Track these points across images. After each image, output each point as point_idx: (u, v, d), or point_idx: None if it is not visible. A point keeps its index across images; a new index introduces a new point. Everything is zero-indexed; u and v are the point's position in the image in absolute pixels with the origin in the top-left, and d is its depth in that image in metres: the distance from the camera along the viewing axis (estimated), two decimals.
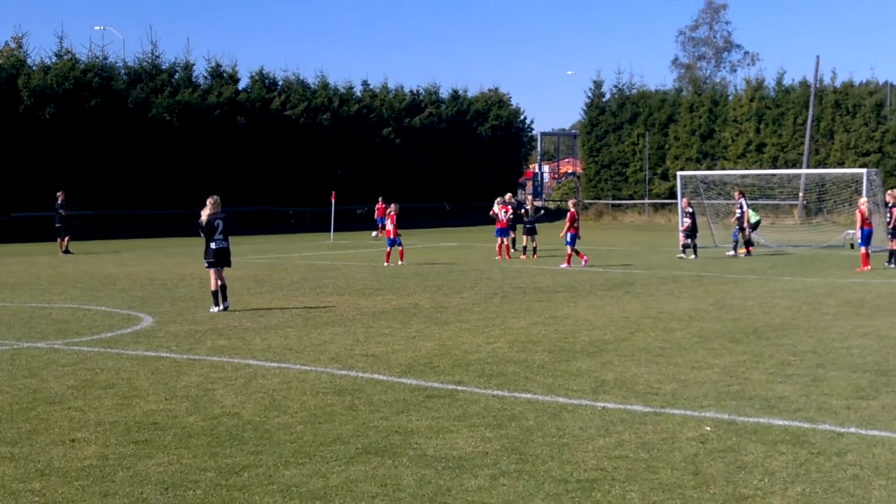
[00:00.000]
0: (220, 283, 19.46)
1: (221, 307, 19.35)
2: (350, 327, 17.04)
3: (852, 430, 9.78)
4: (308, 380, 12.37)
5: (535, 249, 34.20)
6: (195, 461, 8.80)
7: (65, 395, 11.51)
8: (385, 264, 30.92)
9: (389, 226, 31.70)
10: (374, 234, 50.24)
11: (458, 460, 8.77)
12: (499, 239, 34.66)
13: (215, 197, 19.96)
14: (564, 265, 29.81)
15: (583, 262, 29.84)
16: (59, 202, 39.45)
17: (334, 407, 10.84)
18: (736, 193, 36.47)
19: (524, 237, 34.51)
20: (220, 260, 19.52)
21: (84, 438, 9.59)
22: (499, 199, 35.97)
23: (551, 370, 12.90)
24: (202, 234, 19.66)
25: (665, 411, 10.52)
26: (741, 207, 35.17)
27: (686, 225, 33.75)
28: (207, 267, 19.65)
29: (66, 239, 38.71)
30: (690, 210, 34.13)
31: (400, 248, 31.27)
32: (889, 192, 30.57)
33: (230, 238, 20.01)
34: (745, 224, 35.11)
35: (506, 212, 34.80)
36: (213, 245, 19.46)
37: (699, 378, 12.27)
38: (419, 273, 28.03)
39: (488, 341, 15.39)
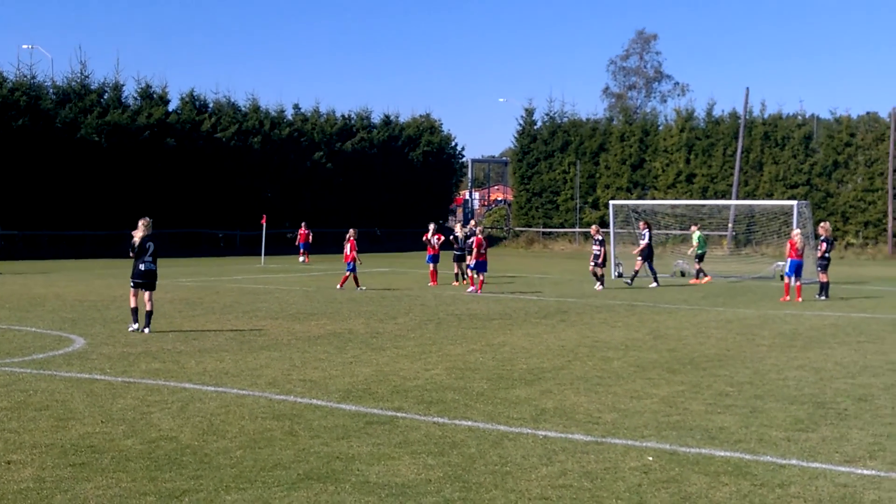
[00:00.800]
0: (147, 307, 19.49)
1: (141, 329, 19.37)
2: (286, 352, 16.92)
3: (794, 461, 9.86)
4: (246, 404, 12.25)
5: (463, 275, 34.19)
6: (134, 485, 8.66)
7: None
8: (358, 289, 31.06)
9: (350, 251, 31.58)
10: (300, 259, 50.13)
11: (402, 487, 8.72)
12: (431, 265, 34.71)
13: (147, 219, 20.00)
14: (472, 289, 30.46)
15: (473, 288, 30.55)
16: None
17: (273, 432, 10.74)
18: (641, 224, 36.62)
19: (453, 263, 34.59)
20: (145, 282, 19.66)
21: (20, 461, 9.41)
22: (432, 224, 36.04)
23: (491, 398, 12.88)
24: (132, 255, 19.71)
25: (606, 440, 10.54)
26: (645, 238, 35.18)
27: (601, 254, 33.56)
28: (132, 286, 19.79)
29: None
30: (600, 238, 34.09)
31: (349, 273, 31.45)
32: (821, 224, 31.06)
33: (158, 261, 19.95)
34: (649, 253, 35.06)
35: (438, 238, 34.93)
36: (141, 266, 19.60)
37: (639, 408, 12.32)
38: (353, 298, 27.93)
39: (426, 368, 15.35)
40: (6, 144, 53.10)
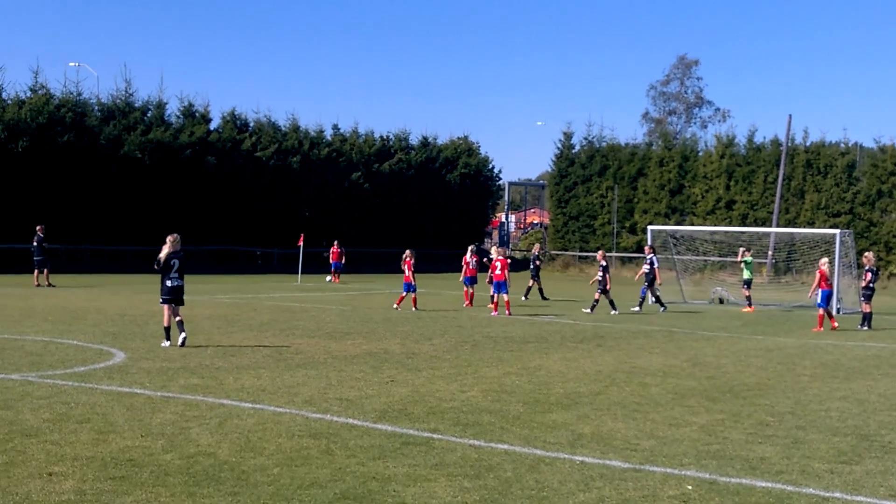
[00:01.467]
0: (177, 318, 19.84)
1: (179, 342, 19.64)
2: (322, 370, 16.95)
3: (837, 494, 9.74)
4: (283, 422, 12.28)
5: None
6: (173, 500, 8.71)
7: (41, 429, 11.39)
8: (413, 309, 31.34)
9: (408, 272, 31.89)
10: (328, 278, 49.84)
11: None
12: (467, 286, 34.75)
13: (175, 235, 20.37)
14: (495, 313, 30.54)
15: (494, 312, 30.59)
16: (38, 235, 39.41)
17: (310, 450, 10.76)
18: (647, 249, 36.55)
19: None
20: (174, 297, 19.91)
21: (61, 472, 9.48)
22: (471, 246, 36.10)
23: (527, 421, 12.85)
24: (158, 270, 20.07)
25: (645, 468, 10.48)
26: (651, 264, 35.05)
27: (602, 279, 33.45)
28: (162, 303, 20.02)
29: (45, 272, 38.66)
30: (604, 264, 34.01)
31: (413, 294, 31.82)
32: (865, 255, 30.83)
33: (188, 277, 20.20)
34: (657, 281, 35.07)
35: (476, 260, 35.02)
36: (168, 283, 19.89)
37: (678, 435, 12.24)
38: (388, 318, 27.96)
39: (462, 390, 15.33)
40: (52, 160, 53.79)
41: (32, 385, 14.47)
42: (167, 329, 19.90)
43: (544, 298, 38.70)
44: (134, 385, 14.72)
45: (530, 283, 39.32)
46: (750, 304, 36.16)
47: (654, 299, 35.01)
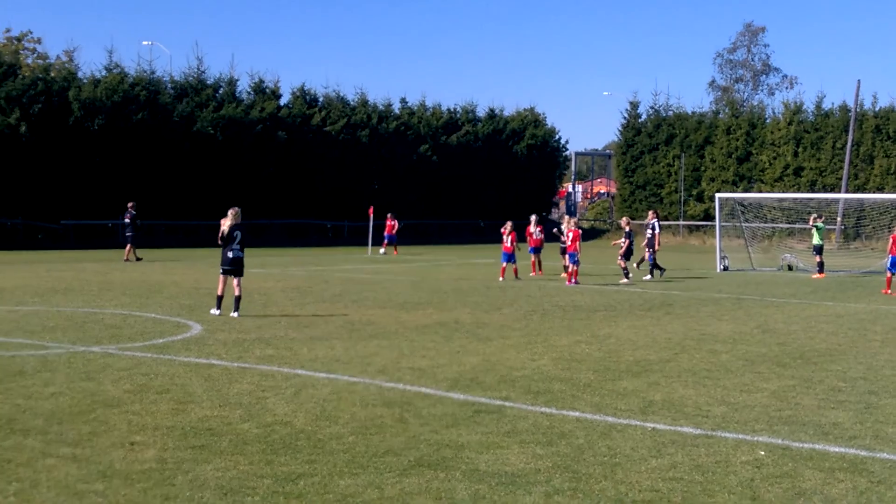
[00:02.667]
0: (235, 293, 20.45)
1: (233, 313, 20.21)
2: (394, 340, 17.13)
3: None
4: (357, 391, 12.46)
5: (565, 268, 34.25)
6: (252, 468, 8.90)
7: (122, 399, 11.68)
8: (516, 279, 31.73)
9: (509, 243, 32.06)
10: (381, 250, 48.95)
11: (511, 476, 8.81)
12: (532, 256, 34.64)
13: (236, 209, 20.92)
14: (568, 283, 30.58)
15: (567, 282, 30.71)
16: (130, 212, 40.11)
17: (384, 419, 10.91)
18: (650, 214, 35.82)
19: (560, 256, 34.39)
20: (234, 268, 20.56)
21: (143, 442, 9.73)
22: (534, 217, 35.95)
23: (598, 389, 12.92)
24: (220, 243, 20.60)
25: (716, 434, 10.51)
26: (653, 229, 34.43)
27: (625, 246, 33.08)
28: (221, 273, 20.66)
29: (130, 247, 39.39)
30: (628, 230, 33.67)
31: (514, 264, 32.12)
32: None
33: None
34: (657, 246, 34.47)
35: (540, 230, 34.92)
36: (229, 254, 20.52)
37: (749, 402, 12.24)
38: (458, 289, 28.10)
39: (532, 358, 15.43)
40: (127, 137, 54.63)
41: (113, 357, 14.80)
42: (220, 298, 20.56)
43: (659, 269, 37.96)
44: (211, 356, 15.01)
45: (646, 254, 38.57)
46: (821, 271, 35.79)
47: (651, 264, 34.35)
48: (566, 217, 39.61)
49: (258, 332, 17.80)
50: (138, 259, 39.03)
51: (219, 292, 20.64)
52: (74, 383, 12.61)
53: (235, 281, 20.54)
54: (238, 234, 20.52)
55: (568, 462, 9.30)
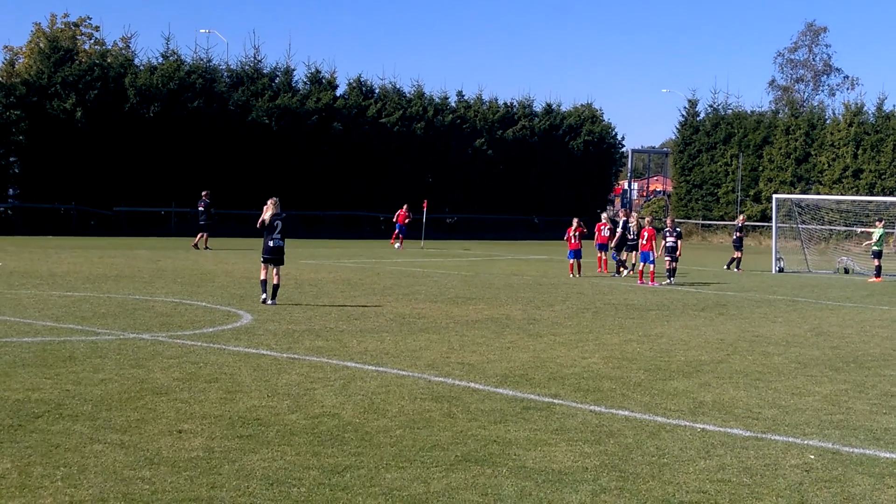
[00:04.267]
0: (275, 281, 20.85)
1: (270, 301, 20.58)
2: (444, 335, 17.11)
3: None
4: (405, 385, 12.45)
5: (623, 264, 34.18)
6: (298, 459, 8.91)
7: (170, 387, 11.74)
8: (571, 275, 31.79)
9: (575, 240, 31.74)
10: (396, 245, 47.12)
11: (558, 474, 8.76)
12: (599, 253, 34.29)
13: (275, 199, 21.51)
14: (640, 282, 30.35)
15: (639, 282, 30.52)
16: (204, 200, 40.45)
17: (432, 413, 10.89)
18: (622, 212, 35.16)
19: (626, 254, 34.26)
20: (273, 257, 20.97)
21: (190, 430, 9.76)
22: (604, 213, 35.67)
23: (648, 388, 12.83)
24: (260, 231, 21.25)
25: (766, 437, 10.39)
26: (624, 227, 33.69)
27: (617, 236, 32.82)
28: (262, 261, 21.13)
29: (204, 236, 39.83)
30: (624, 220, 33.29)
31: (577, 260, 31.62)
32: None
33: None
34: (613, 243, 33.86)
35: (608, 227, 34.55)
36: (270, 243, 20.92)
37: (800, 405, 12.10)
38: (510, 284, 28.03)
39: (583, 356, 15.34)
40: (182, 125, 55.04)
41: (163, 345, 14.91)
42: (264, 282, 21.02)
43: (737, 268, 38.21)
44: (260, 346, 15.06)
45: (736, 255, 38.95)
46: (878, 275, 35.40)
47: (616, 260, 34.00)
48: (632, 213, 39.34)
49: (308, 324, 17.85)
50: (207, 248, 39.32)
51: (262, 276, 21.19)
52: (124, 370, 12.71)
53: (275, 270, 20.95)
54: (279, 223, 20.97)
55: (615, 461, 9.23)
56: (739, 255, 38.89)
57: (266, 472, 8.45)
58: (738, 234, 39.67)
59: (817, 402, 12.35)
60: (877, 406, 12.21)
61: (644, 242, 30.42)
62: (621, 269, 33.42)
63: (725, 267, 38.62)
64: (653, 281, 29.95)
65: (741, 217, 41.06)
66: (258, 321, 17.97)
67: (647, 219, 32.50)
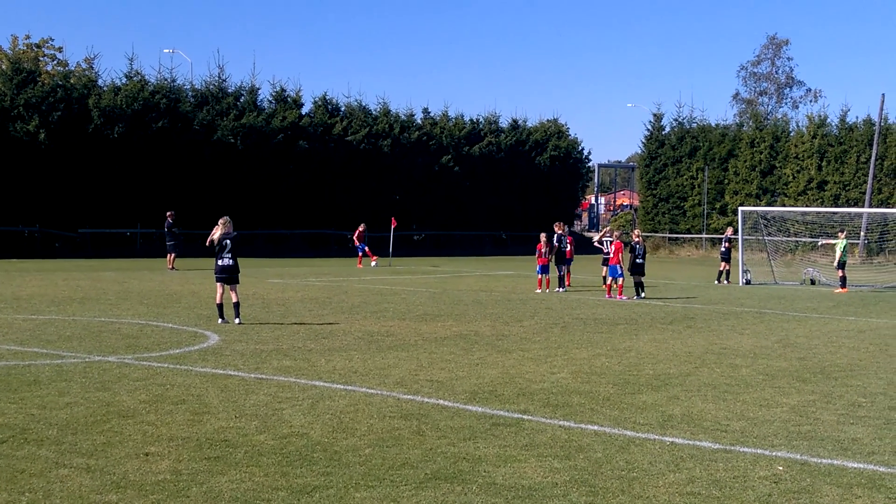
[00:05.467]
0: (233, 299, 20.86)
1: (236, 321, 20.60)
2: (413, 352, 17.07)
3: None
4: (374, 403, 12.40)
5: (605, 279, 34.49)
6: (267, 480, 8.85)
7: (137, 409, 11.65)
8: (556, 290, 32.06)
9: (613, 255, 30.97)
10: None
11: (528, 490, 8.75)
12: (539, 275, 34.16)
13: (226, 217, 21.40)
14: (608, 296, 30.30)
15: (607, 296, 30.57)
16: (169, 221, 40.38)
17: (401, 431, 10.86)
18: (556, 226, 34.76)
19: (602, 267, 34.36)
20: (225, 276, 20.88)
21: (157, 453, 9.69)
22: (543, 234, 35.09)
23: (617, 403, 12.84)
24: (210, 250, 21.18)
25: (735, 449, 10.42)
26: (559, 241, 33.46)
27: (553, 251, 32.76)
28: (216, 281, 21.06)
29: (171, 256, 39.69)
30: (559, 233, 33.28)
31: (618, 280, 30.68)
32: None
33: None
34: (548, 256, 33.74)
35: (570, 241, 34.57)
36: (220, 262, 20.90)
37: (768, 416, 12.15)
38: (479, 301, 28.03)
39: (552, 371, 15.35)
40: (148, 145, 54.85)
41: (129, 367, 14.79)
42: (219, 306, 20.90)
43: (727, 281, 38.56)
44: (228, 367, 14.98)
45: (722, 267, 39.32)
46: (844, 285, 35.65)
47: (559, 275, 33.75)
48: (607, 230, 39.55)
49: (276, 343, 17.78)
50: (173, 268, 39.26)
51: (217, 300, 21.02)
52: (89, 393, 12.60)
53: (231, 288, 20.94)
54: (228, 242, 20.92)
55: (585, 476, 9.23)
56: (728, 267, 39.12)
57: (234, 494, 8.40)
58: (726, 244, 39.93)
59: (785, 413, 12.40)
60: (844, 416, 12.26)
61: (612, 256, 30.43)
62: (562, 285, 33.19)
63: (717, 281, 38.76)
64: (620, 295, 29.99)
65: (729, 229, 41.23)
66: (225, 342, 17.88)
67: (616, 233, 32.55)
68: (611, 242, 31.05)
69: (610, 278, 30.64)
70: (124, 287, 30.24)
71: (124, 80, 58.20)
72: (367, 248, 47.12)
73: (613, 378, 14.82)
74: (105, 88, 56.51)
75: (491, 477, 9.12)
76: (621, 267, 30.27)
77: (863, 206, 61.21)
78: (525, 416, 11.80)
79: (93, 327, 19.71)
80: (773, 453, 10.28)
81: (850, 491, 8.97)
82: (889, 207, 60.71)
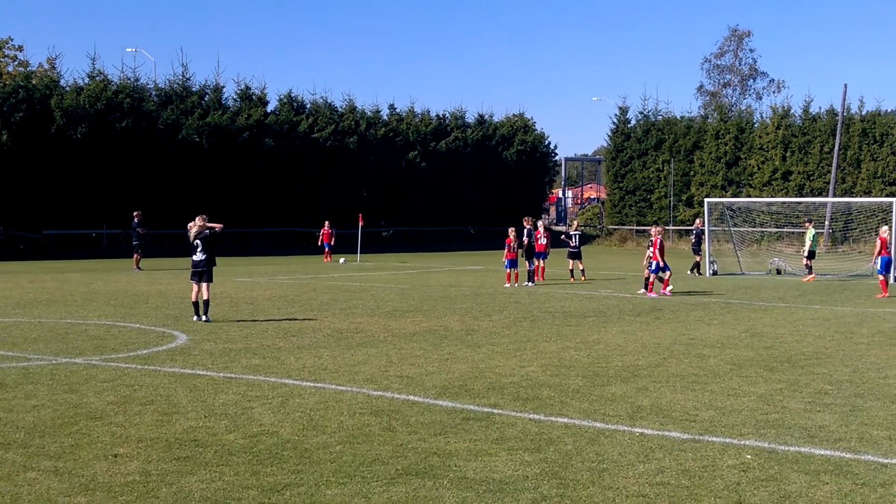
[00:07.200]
0: (204, 296, 21.15)
1: (203, 318, 20.93)
2: (382, 348, 17.07)
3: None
4: (344, 400, 12.40)
5: (582, 272, 35.35)
6: (237, 479, 8.84)
7: (105, 411, 11.60)
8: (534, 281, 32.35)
9: (653, 250, 30.43)
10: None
11: (499, 483, 8.78)
12: (538, 262, 34.21)
13: (203, 216, 22.06)
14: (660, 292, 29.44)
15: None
16: (135, 221, 40.26)
17: (372, 427, 10.86)
18: (525, 220, 34.78)
19: (568, 261, 35.50)
20: (196, 270, 21.29)
21: (126, 454, 9.65)
22: (511, 229, 35.13)
23: (586, 395, 12.89)
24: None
25: (704, 438, 10.49)
26: (528, 236, 33.42)
27: (524, 244, 32.87)
28: (190, 279, 21.58)
29: (136, 256, 39.96)
30: (528, 228, 33.29)
31: (655, 275, 29.73)
32: None
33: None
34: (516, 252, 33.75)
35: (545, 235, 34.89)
36: (193, 257, 21.33)
37: (736, 406, 12.23)
38: (447, 296, 28.03)
39: (521, 365, 15.39)
40: (111, 146, 54.47)
41: (96, 368, 14.72)
42: (195, 304, 21.23)
43: (697, 273, 38.69)
44: (196, 367, 14.93)
45: (697, 258, 39.57)
46: (811, 272, 35.96)
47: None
48: (575, 223, 39.83)
49: (244, 342, 17.73)
50: (138, 269, 39.19)
51: (192, 298, 21.37)
52: (57, 395, 12.53)
53: (204, 285, 21.13)
54: (198, 242, 21.37)
55: (556, 468, 9.27)
56: (699, 259, 39.28)
57: (204, 494, 8.38)
58: (697, 237, 40.17)
59: (753, 402, 12.49)
60: (811, 404, 12.37)
61: (653, 254, 29.28)
62: (534, 279, 33.28)
63: (689, 272, 38.83)
64: (665, 288, 29.35)
65: (698, 221, 41.44)
66: (193, 341, 17.81)
67: (657, 228, 31.94)
68: (651, 243, 29.78)
69: (653, 276, 29.47)
70: (90, 288, 30.04)
71: (87, 79, 57.71)
72: (327, 249, 48.65)
73: (582, 370, 14.87)
74: (67, 88, 56.03)
75: (462, 471, 9.15)
76: (664, 261, 29.39)
77: (827, 196, 61.63)
78: (495, 410, 11.82)
79: (59, 329, 19.59)
80: (742, 442, 10.35)
81: (818, 478, 9.06)
82: (852, 197, 61.15)
